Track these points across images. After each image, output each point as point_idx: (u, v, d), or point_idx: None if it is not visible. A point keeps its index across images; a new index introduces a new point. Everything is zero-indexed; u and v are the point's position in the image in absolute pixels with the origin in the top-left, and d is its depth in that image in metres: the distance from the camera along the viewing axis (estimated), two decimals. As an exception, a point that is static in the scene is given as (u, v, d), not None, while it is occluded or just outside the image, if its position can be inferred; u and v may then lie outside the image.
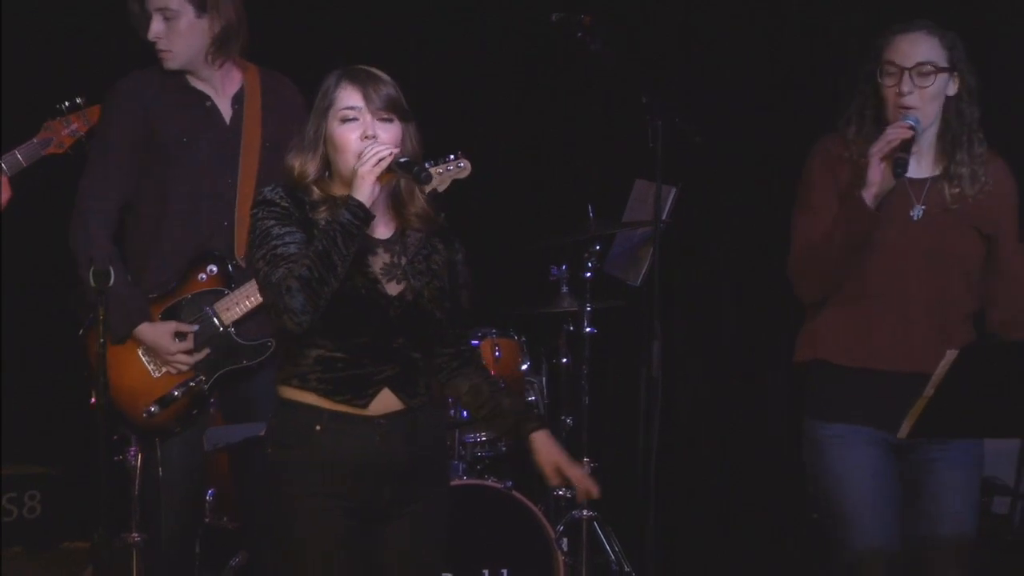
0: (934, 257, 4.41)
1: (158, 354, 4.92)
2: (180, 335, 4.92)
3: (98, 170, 4.98)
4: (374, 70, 3.97)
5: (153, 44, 4.97)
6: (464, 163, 4.85)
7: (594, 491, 4.12)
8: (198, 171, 4.96)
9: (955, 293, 4.44)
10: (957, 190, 4.41)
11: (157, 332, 4.91)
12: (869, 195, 4.31)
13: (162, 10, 4.92)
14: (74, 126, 5.01)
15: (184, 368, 4.93)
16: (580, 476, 4.12)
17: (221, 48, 4.97)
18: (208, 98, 5.01)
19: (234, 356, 4.95)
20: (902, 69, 4.33)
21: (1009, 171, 4.52)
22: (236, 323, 4.95)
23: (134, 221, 5.02)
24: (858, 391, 4.41)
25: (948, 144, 4.42)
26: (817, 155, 4.49)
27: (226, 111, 5.02)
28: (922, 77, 4.33)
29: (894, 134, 4.31)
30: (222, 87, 5.02)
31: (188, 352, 4.92)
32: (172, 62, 4.96)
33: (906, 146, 4.31)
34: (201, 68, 4.99)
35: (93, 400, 4.89)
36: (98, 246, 4.90)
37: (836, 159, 4.44)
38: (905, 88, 4.34)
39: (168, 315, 4.95)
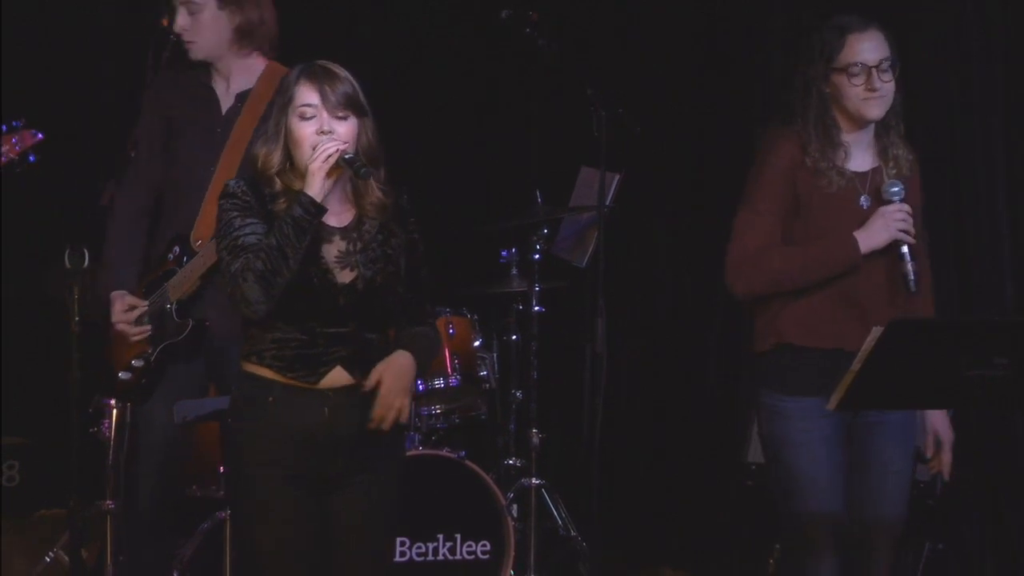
0: None
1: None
2: (134, 307, 5.04)
3: (129, 168, 5.17)
4: (332, 67, 4.03)
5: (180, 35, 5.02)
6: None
7: (385, 420, 4.00)
8: (188, 158, 5.05)
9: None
10: (895, 170, 4.50)
11: (115, 301, 5.03)
12: (867, 246, 4.40)
13: (187, 4, 4.99)
14: (3, 148, 5.01)
15: (131, 338, 5.03)
16: (389, 401, 4.01)
17: (244, 38, 5.02)
18: (212, 91, 5.07)
19: (170, 333, 5.04)
20: (869, 68, 4.41)
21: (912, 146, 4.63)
22: (179, 302, 5.02)
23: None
24: (819, 368, 4.42)
25: (882, 130, 4.50)
26: (776, 156, 4.48)
27: (226, 104, 5.07)
28: (885, 72, 4.43)
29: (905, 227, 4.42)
30: (234, 82, 5.07)
31: (131, 323, 5.02)
32: (196, 52, 5.01)
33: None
34: (224, 58, 5.05)
35: (120, 375, 5.09)
36: (110, 239, 5.08)
37: (798, 165, 4.46)
38: (876, 85, 4.40)
39: (148, 289, 5.07)
